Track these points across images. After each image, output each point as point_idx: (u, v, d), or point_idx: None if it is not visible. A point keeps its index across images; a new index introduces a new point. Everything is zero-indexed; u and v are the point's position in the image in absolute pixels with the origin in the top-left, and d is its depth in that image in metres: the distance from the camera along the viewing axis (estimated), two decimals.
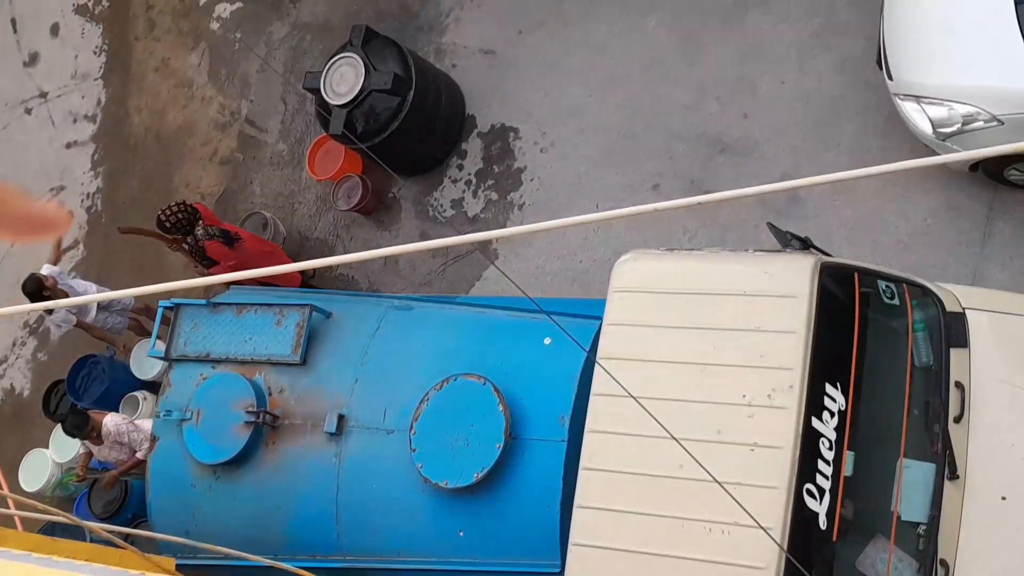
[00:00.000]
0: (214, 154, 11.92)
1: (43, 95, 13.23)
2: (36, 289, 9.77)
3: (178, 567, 7.26)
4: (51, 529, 8.56)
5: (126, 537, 6.23)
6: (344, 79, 9.70)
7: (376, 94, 9.64)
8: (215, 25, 12.40)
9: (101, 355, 10.88)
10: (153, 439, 8.22)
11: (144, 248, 11.28)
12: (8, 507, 6.72)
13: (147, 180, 12.16)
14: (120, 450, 9.16)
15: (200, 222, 9.57)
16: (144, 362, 10.61)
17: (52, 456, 10.72)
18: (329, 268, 10.72)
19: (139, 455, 9.05)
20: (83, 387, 10.68)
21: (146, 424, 9.08)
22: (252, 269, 9.40)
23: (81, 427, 9.01)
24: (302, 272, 10.50)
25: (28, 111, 13.23)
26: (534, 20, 10.61)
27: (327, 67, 9.79)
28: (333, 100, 9.69)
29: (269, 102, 11.80)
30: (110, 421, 9.05)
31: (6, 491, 7.82)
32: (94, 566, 3.47)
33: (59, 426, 10.02)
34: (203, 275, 9.22)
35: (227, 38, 12.27)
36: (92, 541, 7.34)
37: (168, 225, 9.44)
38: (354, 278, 10.67)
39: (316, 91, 9.85)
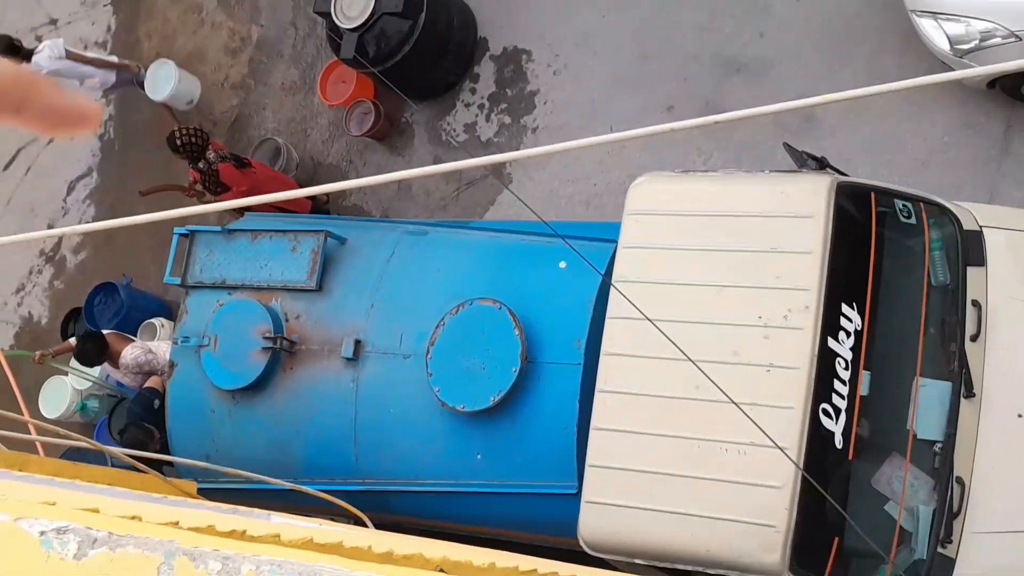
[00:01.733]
0: (225, 80, 11.86)
1: (53, 22, 13.15)
2: (7, 46, 10.30)
3: (200, 491, 7.35)
4: (73, 454, 8.65)
5: (147, 461, 6.30)
6: (355, 3, 9.62)
7: (387, 17, 9.56)
8: None
9: (117, 282, 10.92)
10: (171, 365, 8.28)
11: (157, 176, 11.27)
12: (30, 433, 6.79)
13: (158, 107, 12.11)
14: (135, 378, 9.23)
15: (211, 146, 9.56)
16: (158, 82, 11.27)
17: (72, 383, 10.81)
18: (343, 195, 10.71)
19: (164, 379, 9.16)
20: (100, 314, 10.73)
21: (163, 347, 9.16)
22: (264, 194, 9.49)
23: (100, 353, 9.07)
24: (315, 199, 10.50)
25: (38, 39, 13.16)
26: None
27: None
28: (344, 24, 9.62)
29: (280, 27, 11.71)
30: (128, 353, 9.08)
31: (27, 417, 7.90)
32: (116, 489, 3.50)
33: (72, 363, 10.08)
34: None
35: None
36: (114, 466, 7.42)
37: (179, 143, 9.41)
38: (368, 205, 10.66)
39: (327, 15, 9.76)
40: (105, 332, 9.44)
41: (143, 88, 11.47)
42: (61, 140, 12.35)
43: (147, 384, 9.17)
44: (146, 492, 4.25)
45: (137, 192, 10.32)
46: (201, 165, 9.53)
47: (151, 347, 9.29)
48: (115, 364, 9.19)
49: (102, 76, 11.36)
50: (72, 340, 9.72)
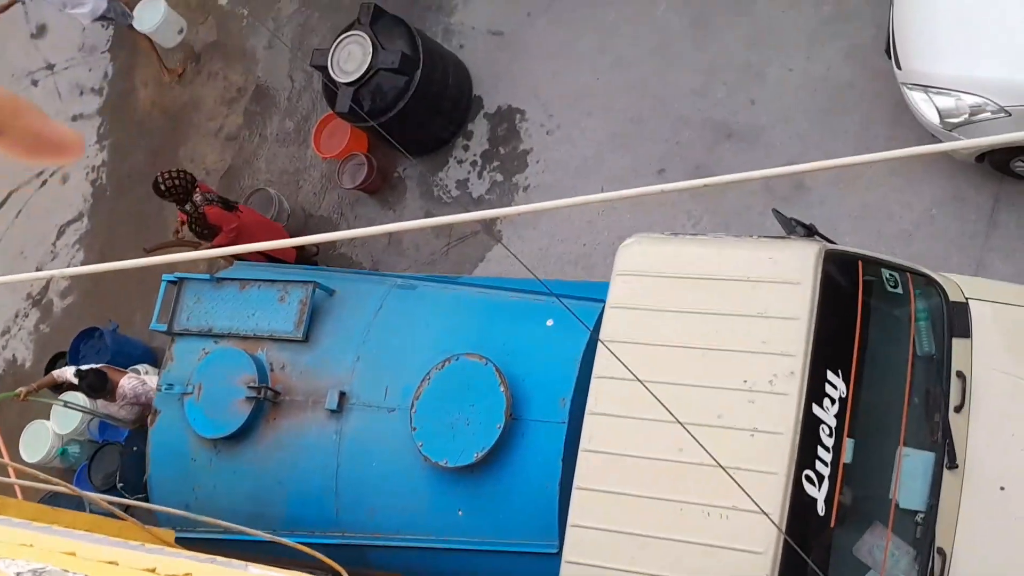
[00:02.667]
0: (220, 129, 11.91)
1: (50, 67, 13.22)
2: None
3: (177, 540, 7.28)
4: (51, 500, 8.58)
5: (126, 509, 6.25)
6: (352, 57, 9.69)
7: (383, 73, 9.63)
8: (223, 0, 12.38)
9: (103, 327, 10.90)
10: (155, 412, 8.24)
11: (147, 223, 11.30)
12: (9, 476, 6.74)
13: (152, 154, 12.15)
14: (131, 411, 9.22)
15: (197, 189, 9.57)
16: (145, 14, 11.74)
17: (53, 427, 10.74)
18: (333, 246, 10.73)
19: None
20: (85, 359, 10.69)
21: (155, 381, 9.21)
22: (252, 239, 9.52)
23: (99, 387, 9.06)
24: (305, 250, 10.51)
25: (35, 83, 13.23)
26: (543, 2, 10.59)
27: (335, 45, 9.77)
28: (340, 78, 9.68)
29: (276, 79, 11.78)
30: (127, 383, 9.12)
31: (7, 460, 7.84)
32: (94, 535, 3.48)
33: (60, 397, 10.04)
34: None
35: (235, 13, 12.25)
36: (92, 512, 7.36)
37: (164, 188, 9.39)
38: (357, 257, 10.68)
39: (323, 69, 9.83)
40: (98, 366, 9.44)
41: (132, 26, 11.58)
42: (51, 181, 12.38)
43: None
44: (124, 539, 4.21)
45: (143, 250, 10.26)
46: (188, 208, 9.54)
47: (144, 379, 9.30)
48: (112, 397, 9.18)
49: (93, 2, 11.37)
50: (55, 373, 9.68)
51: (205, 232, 9.60)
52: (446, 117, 10.39)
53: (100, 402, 9.41)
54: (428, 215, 10.35)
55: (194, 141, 11.99)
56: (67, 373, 9.49)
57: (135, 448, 9.07)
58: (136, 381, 9.22)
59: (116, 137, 12.54)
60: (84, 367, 9.36)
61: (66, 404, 10.05)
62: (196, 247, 9.82)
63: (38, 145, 1.28)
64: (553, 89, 10.27)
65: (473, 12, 10.93)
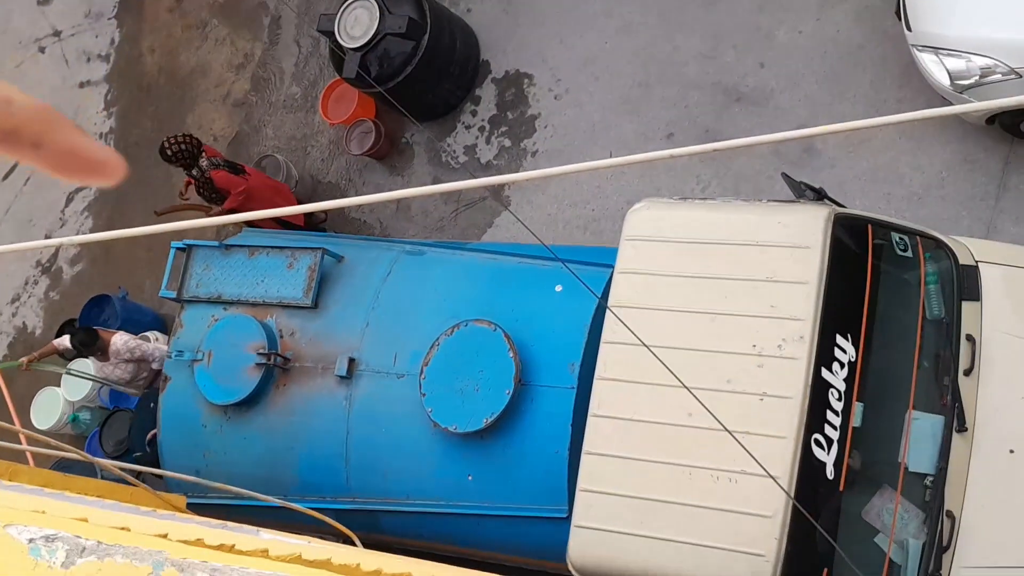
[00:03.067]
0: (227, 96, 11.89)
1: (57, 34, 13.19)
2: None
3: (189, 506, 7.33)
4: (63, 466, 8.63)
5: (137, 475, 6.29)
6: (358, 22, 9.65)
7: (390, 38, 9.59)
8: None
9: (113, 294, 10.92)
10: (165, 378, 8.27)
11: (157, 191, 11.29)
12: (20, 443, 6.78)
13: (160, 121, 12.14)
14: (125, 368, 9.26)
15: (203, 154, 9.56)
16: None
17: (64, 394, 10.79)
18: (342, 212, 10.72)
19: (154, 366, 9.21)
20: (96, 326, 10.72)
21: (152, 339, 9.32)
22: (260, 203, 9.53)
23: (89, 344, 9.13)
24: (313, 217, 10.51)
25: (42, 50, 13.20)
26: None
27: (341, 9, 9.73)
28: (347, 43, 9.64)
29: (283, 45, 11.75)
30: (119, 339, 9.19)
31: (19, 427, 7.88)
32: (105, 502, 3.50)
33: (70, 364, 10.09)
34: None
35: None
36: (104, 478, 7.41)
37: (170, 153, 9.41)
38: (366, 223, 10.67)
39: (330, 34, 9.79)
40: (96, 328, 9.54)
41: None
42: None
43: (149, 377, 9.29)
44: (135, 505, 4.24)
45: (153, 212, 10.26)
46: (194, 173, 9.54)
47: (140, 340, 9.38)
48: (106, 357, 9.23)
49: None
50: (55, 341, 9.74)
51: (213, 196, 9.61)
52: (454, 82, 10.36)
53: (97, 364, 9.46)
54: (436, 181, 10.33)
55: (202, 107, 11.97)
56: (65, 340, 9.57)
57: (139, 413, 9.14)
58: (127, 336, 9.28)
59: (124, 104, 12.52)
60: (75, 328, 9.46)
61: (68, 371, 10.10)
62: (206, 211, 9.83)
63: (75, 164, 1.25)
64: (561, 54, 10.23)
65: None
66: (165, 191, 11.15)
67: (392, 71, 9.69)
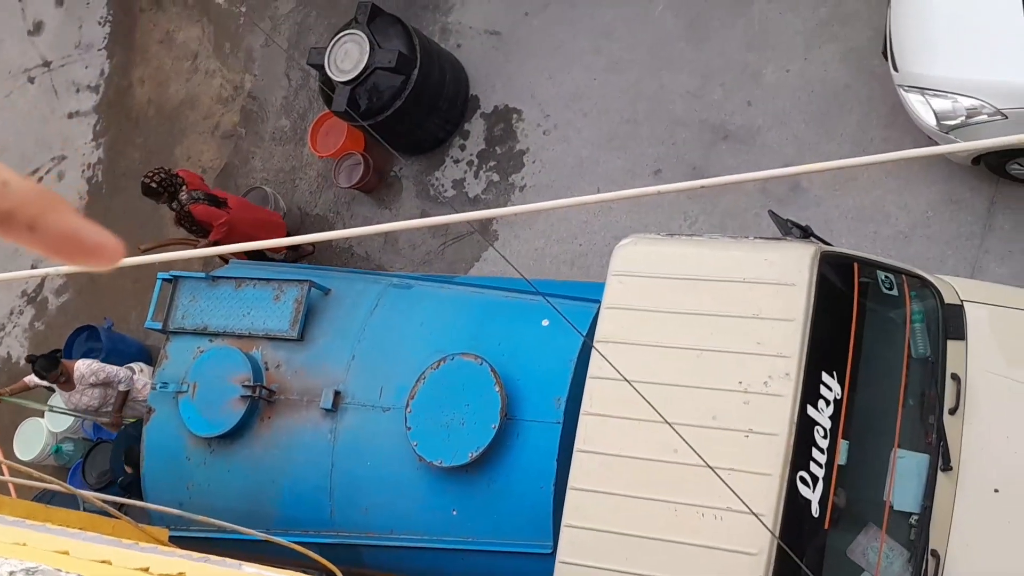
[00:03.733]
0: (216, 128, 11.90)
1: (46, 64, 13.20)
2: None
3: (171, 539, 7.28)
4: (45, 498, 8.58)
5: (120, 507, 6.25)
6: (348, 56, 9.68)
7: (380, 72, 9.62)
8: None
9: (98, 325, 10.89)
10: (149, 410, 8.24)
11: (143, 220, 11.28)
12: (2, 473, 6.73)
13: (148, 152, 12.15)
14: (92, 394, 9.21)
15: (184, 187, 9.57)
16: None
17: (47, 425, 10.74)
18: (329, 245, 10.72)
19: (121, 388, 9.18)
20: (80, 357, 10.68)
21: (136, 371, 9.31)
22: (244, 234, 9.53)
23: (49, 369, 9.08)
24: (299, 248, 10.50)
25: (31, 80, 13.21)
26: (540, 2, 10.59)
27: (332, 43, 9.76)
28: (337, 77, 9.67)
29: (273, 77, 11.78)
30: (82, 363, 9.15)
31: (1, 458, 7.83)
32: (87, 534, 3.48)
33: (54, 395, 10.05)
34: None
35: (232, 12, 12.24)
36: (86, 510, 7.36)
37: (155, 185, 9.44)
38: (354, 255, 10.67)
39: (320, 67, 9.82)
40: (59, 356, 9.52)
41: None
42: (46, 178, 12.38)
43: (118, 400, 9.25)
44: (117, 538, 4.21)
45: (137, 248, 10.26)
46: (174, 206, 9.56)
47: (103, 364, 9.35)
48: (72, 384, 9.19)
49: None
50: (26, 379, 9.69)
51: (194, 229, 9.63)
52: (443, 116, 10.39)
53: (64, 395, 9.42)
54: (424, 215, 10.34)
55: (190, 139, 11.98)
56: (35, 377, 9.51)
57: (118, 440, 9.17)
58: (90, 361, 9.26)
59: (112, 134, 12.53)
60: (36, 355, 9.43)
61: (47, 407, 10.08)
62: (192, 245, 9.82)
63: (72, 248, 1.22)
64: (550, 89, 10.27)
65: (470, 11, 10.93)
66: (153, 222, 11.15)
67: (381, 105, 9.72)
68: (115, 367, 9.44)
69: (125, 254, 1.26)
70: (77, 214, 1.23)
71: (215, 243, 9.49)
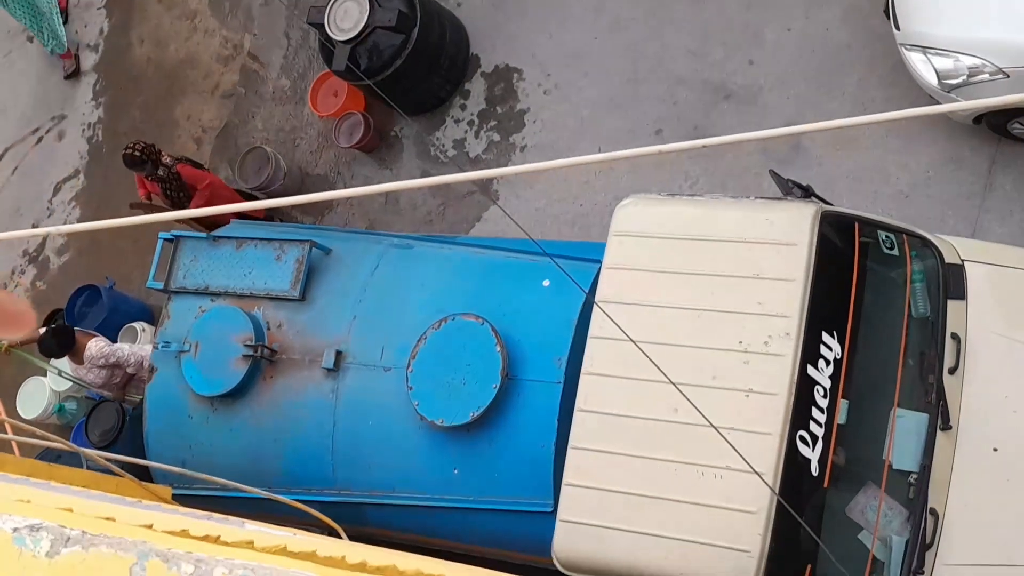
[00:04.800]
0: (216, 87, 11.87)
1: None
2: None
3: (175, 497, 7.33)
4: (48, 456, 8.62)
5: (123, 465, 6.28)
6: (348, 15, 9.64)
7: (380, 31, 9.58)
8: None
9: (100, 284, 10.90)
10: (151, 369, 8.26)
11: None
12: (6, 431, 6.77)
13: (148, 111, 12.12)
14: (98, 374, 9.23)
15: (162, 152, 9.75)
16: None
17: (49, 384, 10.77)
18: (329, 205, 10.72)
19: (129, 370, 9.18)
20: (82, 316, 10.71)
21: (125, 345, 9.29)
22: (223, 198, 9.61)
23: (67, 344, 9.05)
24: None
25: (30, 39, 13.16)
26: None
27: (331, 2, 9.72)
28: (337, 35, 9.63)
29: (272, 36, 11.73)
30: (93, 345, 9.13)
31: (4, 416, 7.87)
32: (91, 492, 3.50)
33: (52, 364, 10.05)
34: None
35: None
36: (89, 469, 7.40)
37: (138, 153, 9.58)
38: (354, 216, 10.67)
39: (320, 26, 9.78)
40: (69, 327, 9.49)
41: None
42: (47, 138, 12.36)
43: (123, 379, 9.25)
44: (120, 495, 4.24)
45: (128, 204, 10.29)
46: (161, 172, 9.66)
47: (113, 346, 9.34)
48: (80, 360, 9.19)
49: None
50: (41, 330, 9.68)
51: (181, 195, 9.69)
52: (443, 76, 10.35)
53: (72, 365, 9.43)
54: (425, 174, 10.33)
55: (190, 99, 11.95)
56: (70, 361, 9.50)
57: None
58: (103, 342, 9.24)
59: (112, 94, 12.49)
60: (56, 327, 9.41)
61: (49, 367, 10.08)
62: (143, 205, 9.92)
63: None
64: (550, 49, 10.23)
65: None
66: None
67: (381, 64, 9.69)
68: (127, 348, 9.34)
69: (36, 325, 1.28)
70: None
71: (199, 206, 9.61)
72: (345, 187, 10.65)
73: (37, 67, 13.04)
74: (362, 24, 9.53)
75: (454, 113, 10.51)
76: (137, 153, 9.54)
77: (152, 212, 9.72)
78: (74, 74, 12.62)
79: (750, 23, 9.48)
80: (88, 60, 12.75)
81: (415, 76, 9.96)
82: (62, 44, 12.57)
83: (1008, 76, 7.33)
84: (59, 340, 9.05)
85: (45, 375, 10.69)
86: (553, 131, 10.00)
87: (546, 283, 7.30)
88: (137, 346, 9.67)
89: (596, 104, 9.87)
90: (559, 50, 10.18)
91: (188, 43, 12.19)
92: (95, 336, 9.38)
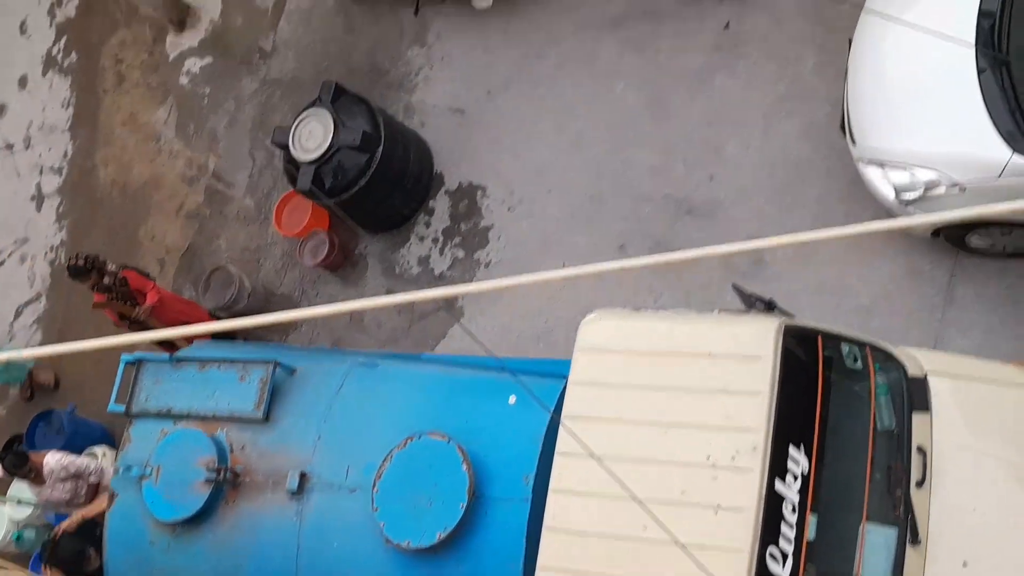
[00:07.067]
0: (180, 208, 11.89)
1: (9, 147, 13.16)
2: None
3: None
4: None
5: None
6: (313, 135, 9.72)
7: (345, 150, 9.66)
8: (184, 80, 12.40)
9: (60, 410, 10.78)
10: (112, 495, 8.12)
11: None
12: None
13: (112, 233, 12.11)
14: (62, 488, 9.07)
15: (106, 262, 9.76)
16: None
17: (8, 512, 10.57)
18: (294, 324, 10.68)
19: (92, 480, 9.03)
20: (42, 442, 10.56)
21: (84, 457, 9.18)
22: (171, 308, 9.63)
23: (19, 465, 8.94)
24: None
25: None
26: (503, 80, 10.69)
27: (296, 123, 9.81)
28: (301, 156, 9.70)
29: (237, 157, 11.79)
30: (51, 458, 9.02)
31: None
32: None
33: (15, 482, 9.89)
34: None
35: (196, 93, 12.28)
36: None
37: (82, 264, 9.61)
38: (319, 335, 10.63)
39: (284, 147, 9.85)
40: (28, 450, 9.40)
41: None
42: (8, 261, 12.31)
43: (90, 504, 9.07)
44: None
45: (92, 305, 10.25)
46: (107, 280, 9.63)
47: (71, 456, 9.21)
48: (41, 479, 9.03)
49: None
50: None
51: (128, 300, 9.65)
52: (407, 194, 10.42)
53: (34, 489, 9.26)
54: (390, 292, 10.33)
55: (155, 219, 11.95)
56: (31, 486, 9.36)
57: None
58: (59, 454, 9.13)
59: (76, 216, 12.48)
60: (8, 447, 9.31)
61: (11, 500, 9.95)
62: (130, 311, 9.81)
63: None
64: (514, 166, 10.33)
65: (434, 90, 11.01)
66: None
67: (346, 183, 9.75)
68: (85, 459, 9.30)
69: None
70: None
71: (152, 307, 9.72)
72: (310, 305, 10.63)
73: (1, 190, 13.03)
74: (327, 144, 9.61)
75: (418, 230, 10.56)
76: (81, 263, 9.56)
77: (115, 312, 9.77)
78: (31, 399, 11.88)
79: (710, 140, 9.62)
80: (52, 183, 12.76)
81: (379, 195, 10.02)
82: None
83: (964, 189, 7.43)
84: (12, 462, 8.93)
85: (3, 504, 10.49)
86: (517, 247, 10.05)
87: (512, 399, 7.27)
88: (110, 458, 9.55)
89: (560, 221, 9.95)
90: (523, 167, 10.28)
91: (153, 164, 12.23)
92: (49, 451, 9.26)
